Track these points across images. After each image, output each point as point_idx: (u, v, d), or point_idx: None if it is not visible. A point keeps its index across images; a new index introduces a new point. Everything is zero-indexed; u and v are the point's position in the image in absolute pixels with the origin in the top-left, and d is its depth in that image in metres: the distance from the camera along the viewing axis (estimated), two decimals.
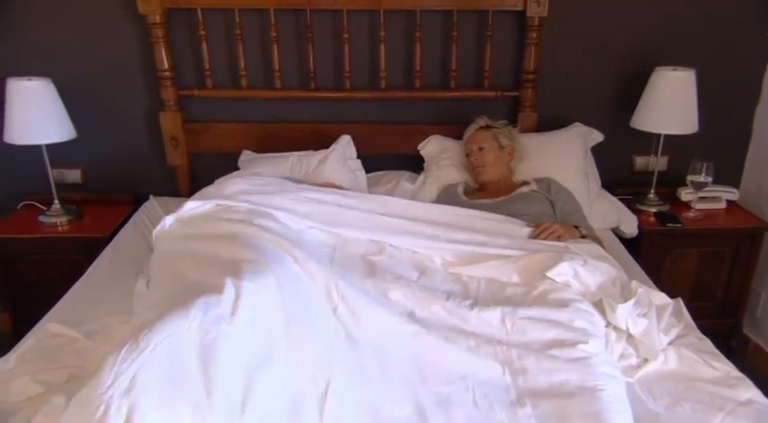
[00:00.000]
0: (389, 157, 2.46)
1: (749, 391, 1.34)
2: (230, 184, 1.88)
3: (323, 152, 2.27)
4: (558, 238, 1.81)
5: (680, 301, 1.64)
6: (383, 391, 1.28)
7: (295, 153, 2.29)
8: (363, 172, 2.31)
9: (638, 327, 1.47)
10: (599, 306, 1.53)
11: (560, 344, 1.38)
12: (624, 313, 1.47)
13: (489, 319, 1.46)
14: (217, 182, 1.98)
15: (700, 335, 1.56)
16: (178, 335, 1.10)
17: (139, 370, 1.01)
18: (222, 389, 1.07)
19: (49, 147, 2.20)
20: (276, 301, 1.30)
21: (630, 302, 1.48)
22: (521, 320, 1.45)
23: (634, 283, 1.62)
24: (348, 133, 2.38)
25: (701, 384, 1.36)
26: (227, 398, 1.07)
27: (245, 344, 1.18)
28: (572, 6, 2.32)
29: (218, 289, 1.23)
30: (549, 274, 1.58)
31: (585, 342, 1.38)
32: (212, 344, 1.12)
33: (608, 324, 1.50)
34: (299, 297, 1.38)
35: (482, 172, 2.14)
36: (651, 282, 1.86)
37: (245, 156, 2.37)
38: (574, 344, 1.37)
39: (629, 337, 1.49)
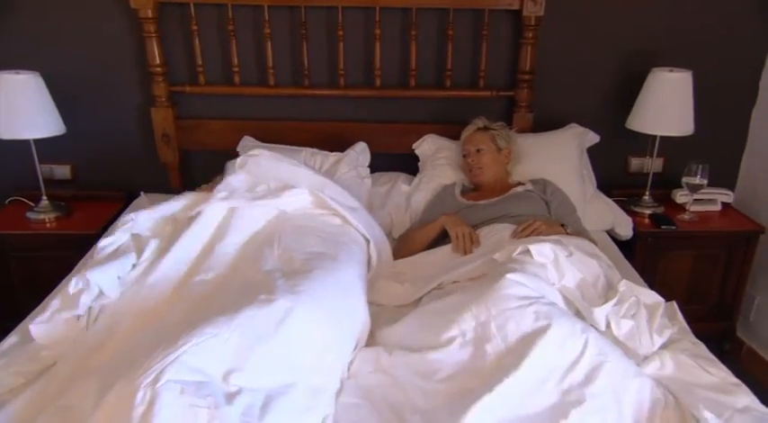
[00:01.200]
0: (384, 156, 2.43)
1: (746, 397, 1.32)
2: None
3: (337, 154, 2.26)
4: (539, 235, 1.78)
5: (674, 304, 1.62)
6: None
7: (306, 149, 2.26)
8: (370, 180, 2.29)
9: (621, 329, 1.45)
10: (571, 305, 1.52)
11: (535, 299, 1.40)
12: (602, 315, 1.45)
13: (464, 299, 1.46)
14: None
15: (694, 339, 1.54)
16: (215, 342, 1.18)
17: (169, 366, 1.10)
18: (243, 401, 1.12)
19: (37, 142, 2.17)
20: (320, 332, 1.34)
21: (609, 304, 1.46)
22: (492, 290, 1.43)
23: (622, 282, 1.58)
24: (342, 131, 2.37)
25: (698, 390, 1.34)
26: (246, 409, 1.11)
27: (276, 365, 1.23)
28: (569, 6, 2.30)
29: (270, 300, 1.31)
30: (530, 246, 1.56)
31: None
32: (245, 360, 1.19)
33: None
34: (342, 331, 1.41)
35: (479, 173, 2.13)
36: (645, 283, 1.84)
37: (247, 141, 2.32)
38: (549, 303, 1.41)
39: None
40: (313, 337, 1.33)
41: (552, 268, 1.55)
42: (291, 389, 1.23)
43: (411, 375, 1.34)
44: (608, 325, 1.46)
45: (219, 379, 1.15)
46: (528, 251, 1.57)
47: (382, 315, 1.65)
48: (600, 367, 1.29)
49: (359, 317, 1.51)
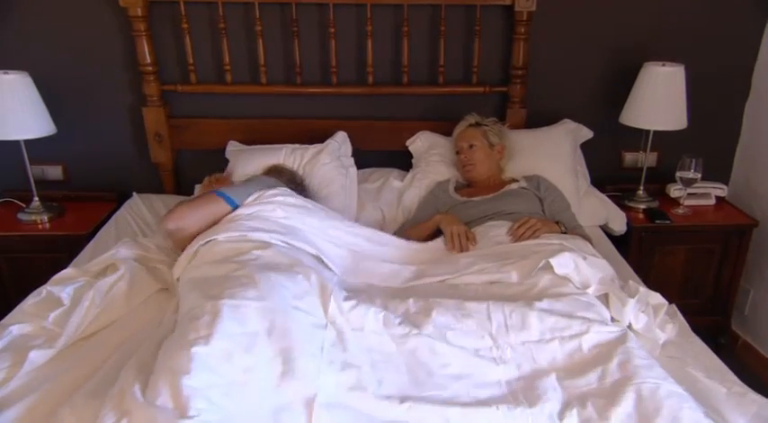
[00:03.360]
0: (378, 153, 2.42)
1: (756, 399, 1.31)
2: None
3: (317, 146, 2.23)
4: (535, 234, 1.79)
5: (674, 306, 1.64)
6: (377, 394, 1.24)
7: (288, 145, 2.25)
8: (355, 169, 2.28)
9: (639, 322, 1.50)
10: (602, 300, 1.55)
11: (559, 331, 1.38)
12: (630, 309, 1.49)
13: (485, 311, 1.44)
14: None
15: (694, 338, 1.56)
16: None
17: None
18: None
19: (28, 143, 2.16)
20: (257, 313, 1.29)
21: (636, 299, 1.52)
22: (517, 314, 1.42)
23: (632, 282, 1.66)
24: (335, 129, 2.35)
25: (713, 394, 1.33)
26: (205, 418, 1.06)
27: (223, 361, 1.17)
28: (561, 1, 2.29)
29: (198, 316, 1.26)
30: (551, 260, 1.56)
31: (586, 332, 1.38)
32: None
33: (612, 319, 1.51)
34: (283, 303, 1.36)
35: (471, 170, 2.12)
36: (639, 279, 1.86)
37: (233, 146, 2.32)
38: (574, 335, 1.37)
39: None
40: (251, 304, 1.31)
41: (576, 276, 1.57)
42: (259, 359, 1.21)
43: (427, 353, 1.34)
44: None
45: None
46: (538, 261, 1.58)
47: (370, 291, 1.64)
48: (624, 391, 1.22)
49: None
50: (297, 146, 2.25)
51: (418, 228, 2.00)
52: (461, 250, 1.80)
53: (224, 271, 1.45)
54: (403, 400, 1.21)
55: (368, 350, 1.34)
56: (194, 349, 1.14)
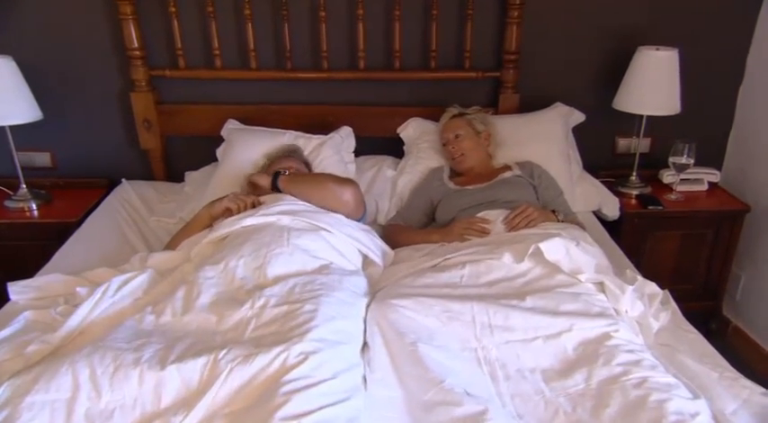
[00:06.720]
0: (371, 140, 2.40)
1: (747, 385, 1.32)
2: None
3: (320, 137, 2.21)
4: (530, 223, 1.77)
5: (668, 292, 1.64)
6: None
7: (290, 132, 2.21)
8: (354, 165, 2.25)
9: (635, 310, 1.50)
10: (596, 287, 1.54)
11: (543, 330, 1.38)
12: (628, 295, 1.49)
13: (469, 312, 1.42)
14: None
15: (688, 326, 1.56)
16: None
17: None
18: None
19: (14, 129, 2.12)
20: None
21: (634, 286, 1.52)
22: (500, 314, 1.41)
23: (629, 271, 1.66)
24: (327, 115, 2.34)
25: (708, 382, 1.33)
26: None
27: None
28: None
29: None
30: (541, 245, 1.54)
31: (568, 330, 1.37)
32: None
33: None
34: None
35: (462, 160, 2.10)
36: (632, 265, 1.85)
37: (232, 125, 2.27)
38: (557, 334, 1.37)
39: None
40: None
41: (567, 261, 1.55)
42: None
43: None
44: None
45: None
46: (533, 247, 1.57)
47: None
48: (611, 390, 1.23)
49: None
50: (299, 134, 2.21)
51: (412, 238, 1.93)
52: (483, 233, 1.79)
53: None
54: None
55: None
56: None
